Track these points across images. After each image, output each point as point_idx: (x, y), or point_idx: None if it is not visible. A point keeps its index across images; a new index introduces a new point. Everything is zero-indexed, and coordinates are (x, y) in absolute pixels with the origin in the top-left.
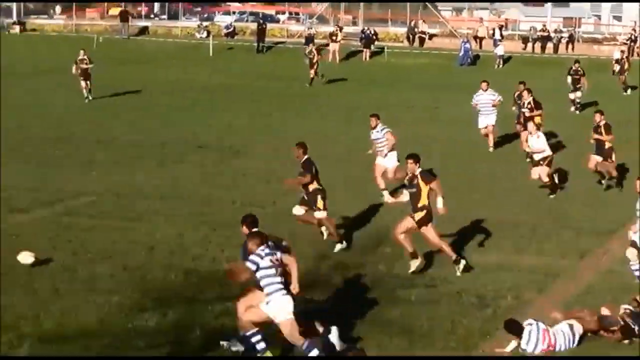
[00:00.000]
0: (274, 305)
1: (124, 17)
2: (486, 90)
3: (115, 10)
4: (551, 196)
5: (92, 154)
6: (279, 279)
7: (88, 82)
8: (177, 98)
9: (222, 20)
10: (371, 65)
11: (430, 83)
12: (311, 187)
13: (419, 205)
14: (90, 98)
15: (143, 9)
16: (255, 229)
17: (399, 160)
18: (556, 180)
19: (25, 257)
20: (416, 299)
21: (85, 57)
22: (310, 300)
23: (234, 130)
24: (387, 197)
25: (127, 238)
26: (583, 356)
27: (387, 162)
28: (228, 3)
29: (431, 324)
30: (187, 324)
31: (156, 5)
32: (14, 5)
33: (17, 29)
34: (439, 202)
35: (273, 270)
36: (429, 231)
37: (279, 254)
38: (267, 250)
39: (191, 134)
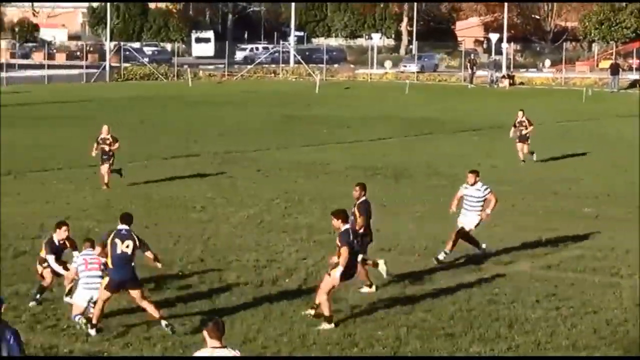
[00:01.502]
0: (76, 291)
1: (614, 70)
2: None
3: (605, 63)
4: None
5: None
6: (86, 273)
7: (524, 145)
8: None
9: None
10: None
11: None
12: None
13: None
14: (532, 159)
15: (634, 61)
16: (121, 226)
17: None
18: None
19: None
20: None
21: (524, 119)
22: None
23: None
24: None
25: (606, 295)
26: (583, 356)
27: (467, 221)
28: None
29: None
30: None
31: None
32: (504, 60)
33: (505, 82)
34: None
35: (83, 267)
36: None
37: (101, 258)
38: (85, 252)
39: None
